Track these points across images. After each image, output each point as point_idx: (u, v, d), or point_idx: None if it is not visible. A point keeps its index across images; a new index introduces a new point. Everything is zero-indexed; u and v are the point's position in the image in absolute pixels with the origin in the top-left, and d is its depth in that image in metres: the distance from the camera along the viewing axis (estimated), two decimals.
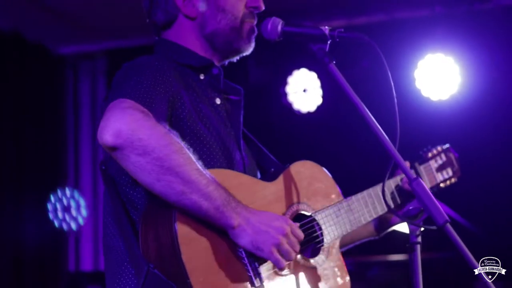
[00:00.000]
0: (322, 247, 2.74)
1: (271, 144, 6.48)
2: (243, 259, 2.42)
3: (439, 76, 6.50)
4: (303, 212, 2.73)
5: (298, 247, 2.50)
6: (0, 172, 6.98)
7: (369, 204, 2.94)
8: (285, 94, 7.00)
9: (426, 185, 2.45)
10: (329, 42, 2.62)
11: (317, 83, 6.91)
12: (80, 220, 7.64)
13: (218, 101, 2.78)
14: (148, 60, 2.61)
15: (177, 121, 2.54)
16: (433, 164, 3.27)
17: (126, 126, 2.26)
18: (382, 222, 3.13)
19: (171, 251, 2.30)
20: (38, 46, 7.38)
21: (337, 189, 2.93)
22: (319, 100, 6.93)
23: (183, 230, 2.32)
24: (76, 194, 7.67)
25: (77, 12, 6.89)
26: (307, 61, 6.84)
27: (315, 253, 2.72)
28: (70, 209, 7.58)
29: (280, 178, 2.71)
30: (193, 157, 2.34)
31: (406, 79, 6.55)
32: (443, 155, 3.32)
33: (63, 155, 7.72)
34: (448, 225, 2.35)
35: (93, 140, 7.67)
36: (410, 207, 2.47)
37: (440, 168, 3.29)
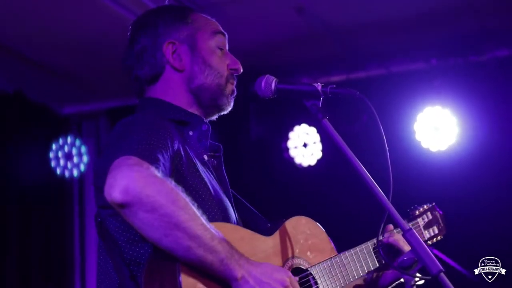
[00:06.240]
0: None
1: (274, 197, 6.55)
2: None
3: (437, 127, 6.65)
4: (299, 266, 2.76)
5: None
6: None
7: (361, 259, 2.95)
8: (286, 149, 7.08)
9: None
10: (322, 98, 2.69)
11: (317, 137, 7.03)
12: (82, 167, 7.57)
13: (205, 157, 2.82)
14: (147, 117, 2.64)
15: (178, 176, 2.55)
16: (421, 222, 3.27)
17: (134, 184, 2.27)
18: (374, 282, 3.11)
19: None
20: (41, 106, 7.42)
21: (331, 244, 2.96)
22: (319, 154, 7.03)
23: (186, 282, 2.34)
24: (78, 142, 7.58)
25: (79, 73, 6.99)
26: (307, 116, 6.90)
27: None
28: (71, 156, 7.52)
29: (277, 233, 2.75)
30: (197, 212, 2.37)
31: (406, 132, 6.72)
32: (429, 213, 3.31)
33: (68, 216, 7.72)
34: (443, 274, 2.36)
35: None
36: (404, 258, 2.48)
37: (427, 226, 3.28)
